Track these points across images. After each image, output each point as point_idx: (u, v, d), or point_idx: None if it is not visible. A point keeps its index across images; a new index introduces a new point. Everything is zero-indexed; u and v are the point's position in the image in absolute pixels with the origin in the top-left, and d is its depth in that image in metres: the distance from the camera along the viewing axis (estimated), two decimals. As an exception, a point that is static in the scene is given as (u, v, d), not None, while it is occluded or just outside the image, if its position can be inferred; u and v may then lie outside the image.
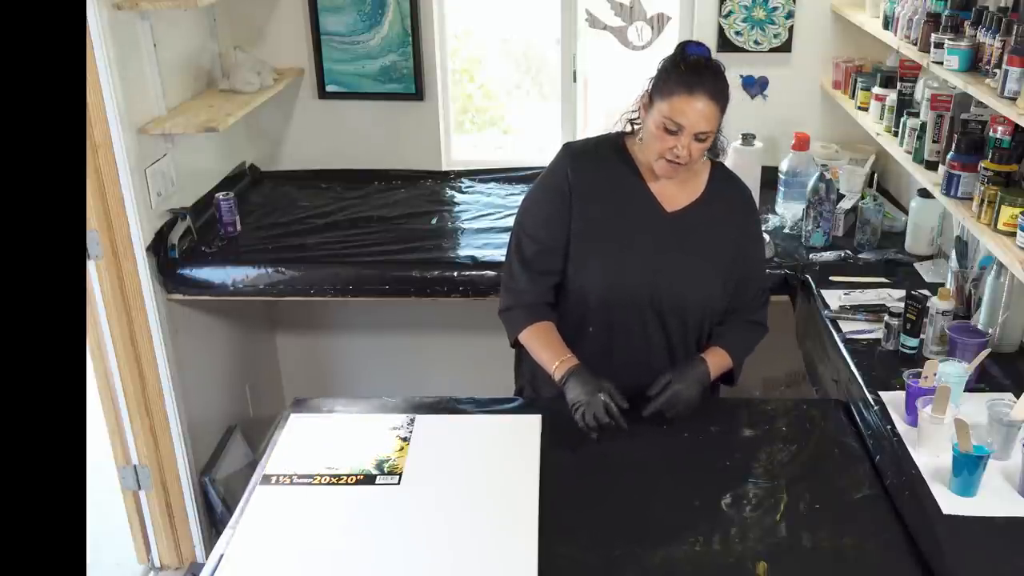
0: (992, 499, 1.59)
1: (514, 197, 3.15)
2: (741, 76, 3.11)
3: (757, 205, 2.26)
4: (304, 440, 1.86)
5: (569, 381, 1.83)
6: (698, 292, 1.92)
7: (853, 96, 2.86)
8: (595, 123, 3.48)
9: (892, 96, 2.56)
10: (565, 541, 1.57)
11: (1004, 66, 1.81)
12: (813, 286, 2.44)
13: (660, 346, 1.95)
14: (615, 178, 1.92)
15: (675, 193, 1.93)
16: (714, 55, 3.09)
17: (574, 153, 1.95)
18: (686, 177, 1.92)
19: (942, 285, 2.26)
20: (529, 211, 1.97)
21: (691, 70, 1.77)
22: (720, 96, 1.79)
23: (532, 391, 2.09)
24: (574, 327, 1.94)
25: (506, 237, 2.04)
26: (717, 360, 1.94)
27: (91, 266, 2.48)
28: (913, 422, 1.77)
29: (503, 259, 2.05)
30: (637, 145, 1.91)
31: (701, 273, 1.92)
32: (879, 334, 2.12)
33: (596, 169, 1.92)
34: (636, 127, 1.91)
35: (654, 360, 1.95)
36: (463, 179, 3.32)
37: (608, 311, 1.91)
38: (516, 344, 2.01)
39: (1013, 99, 1.78)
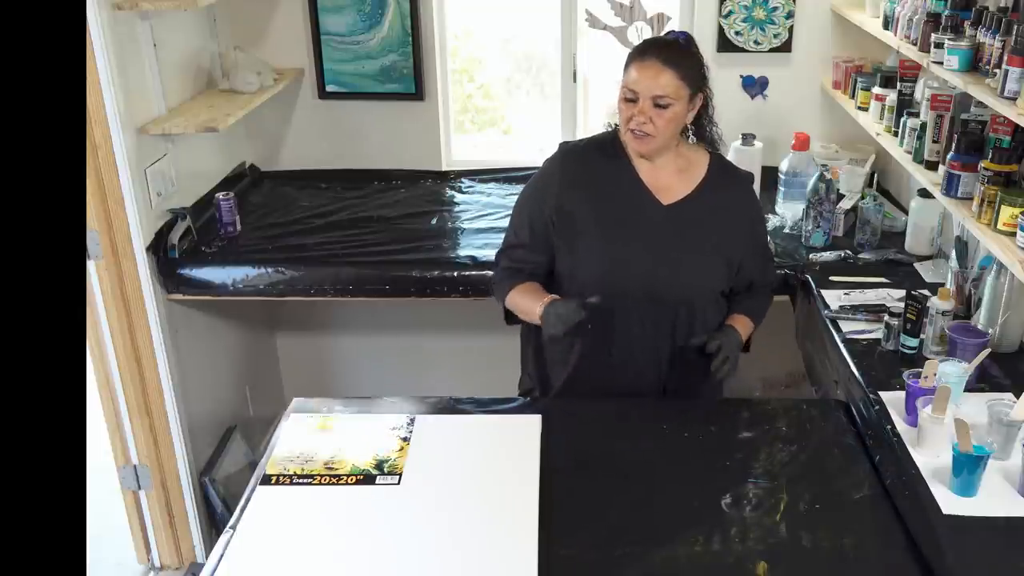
0: (992, 499, 1.59)
1: (514, 197, 3.12)
2: (741, 76, 3.11)
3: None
4: (304, 440, 1.86)
5: (546, 309, 1.87)
6: (695, 284, 1.93)
7: (853, 96, 2.86)
8: (595, 123, 3.47)
9: (892, 96, 2.56)
10: (565, 541, 1.57)
11: (1004, 66, 1.80)
12: (813, 286, 2.44)
13: (664, 342, 1.95)
14: (608, 174, 1.94)
15: (671, 185, 1.93)
16: (714, 55, 3.07)
17: (566, 153, 2.01)
18: (681, 166, 1.94)
19: (942, 285, 2.26)
20: (515, 209, 2.06)
21: (645, 43, 1.87)
22: (675, 63, 1.81)
23: (537, 377, 2.11)
24: None
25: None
26: (744, 325, 2.02)
27: (91, 266, 2.48)
28: (913, 422, 1.77)
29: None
30: None
31: (698, 264, 1.93)
32: (879, 334, 2.12)
33: (588, 167, 1.95)
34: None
35: (654, 356, 1.95)
36: (463, 179, 3.32)
37: (605, 307, 1.91)
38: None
39: (1013, 99, 1.78)
